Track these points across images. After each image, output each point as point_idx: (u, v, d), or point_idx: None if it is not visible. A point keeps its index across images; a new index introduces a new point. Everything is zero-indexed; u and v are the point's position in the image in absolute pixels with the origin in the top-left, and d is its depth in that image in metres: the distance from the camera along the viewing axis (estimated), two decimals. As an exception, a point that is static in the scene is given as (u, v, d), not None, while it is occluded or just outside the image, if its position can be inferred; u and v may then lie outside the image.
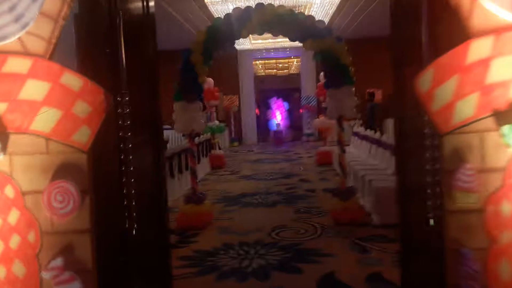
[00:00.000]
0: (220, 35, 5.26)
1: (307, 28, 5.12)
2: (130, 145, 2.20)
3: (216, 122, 10.32)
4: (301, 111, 23.18)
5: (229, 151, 14.23)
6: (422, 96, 1.96)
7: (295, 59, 20.09)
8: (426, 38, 2.08)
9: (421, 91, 1.97)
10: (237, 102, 16.11)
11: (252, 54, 16.75)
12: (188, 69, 5.26)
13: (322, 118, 9.84)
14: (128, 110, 2.20)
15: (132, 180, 2.20)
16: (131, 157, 2.21)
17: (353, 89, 5.15)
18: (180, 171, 7.20)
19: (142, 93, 2.61)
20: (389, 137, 6.84)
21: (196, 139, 7.84)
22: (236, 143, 15.98)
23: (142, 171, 2.40)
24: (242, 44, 14.89)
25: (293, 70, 23.23)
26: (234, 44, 5.59)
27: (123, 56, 2.20)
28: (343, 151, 5.49)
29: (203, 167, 9.36)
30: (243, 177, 8.80)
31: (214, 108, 10.35)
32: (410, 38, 2.28)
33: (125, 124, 2.19)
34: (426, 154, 2.02)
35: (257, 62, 21.14)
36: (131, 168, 2.20)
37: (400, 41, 2.49)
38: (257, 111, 24.68)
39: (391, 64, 2.63)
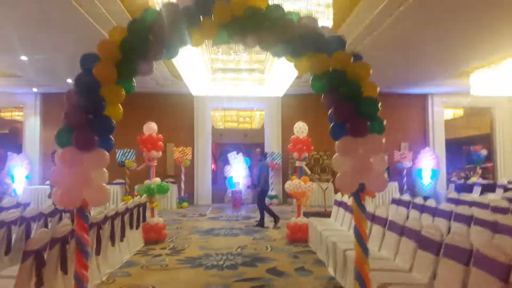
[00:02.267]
0: (153, 35, 3.00)
1: (304, 35, 2.98)
2: None
3: (157, 180, 7.78)
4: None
5: (175, 215, 11.52)
6: None
7: (259, 112, 18.24)
8: None
9: None
10: (190, 155, 13.65)
11: (211, 102, 14.65)
12: (88, 90, 2.89)
13: (295, 180, 7.60)
14: None
15: None
16: None
17: (383, 141, 2.96)
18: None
19: None
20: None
21: (98, 213, 5.26)
22: (185, 204, 13.29)
23: None
24: (199, 87, 12.78)
25: (256, 125, 21.37)
26: (175, 53, 3.27)
27: None
28: (365, 252, 3.16)
29: (132, 243, 6.67)
30: (186, 262, 6.18)
31: (154, 161, 7.85)
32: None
33: None
34: None
35: (216, 114, 19.12)
36: None
37: None
38: (213, 166, 22.32)
39: None
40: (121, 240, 5.97)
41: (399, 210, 7.92)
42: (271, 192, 14.13)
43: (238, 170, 14.48)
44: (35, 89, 13.74)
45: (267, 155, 9.80)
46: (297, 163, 7.77)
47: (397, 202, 8.18)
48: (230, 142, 21.64)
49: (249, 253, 6.67)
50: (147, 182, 7.70)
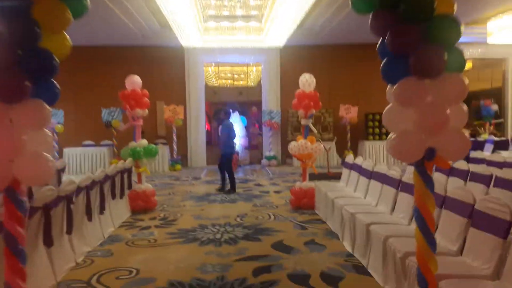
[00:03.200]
0: None
1: None
2: None
3: (143, 141, 6.82)
4: (256, 126, 20.19)
5: (167, 178, 10.69)
6: None
7: (255, 67, 17.04)
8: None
9: None
10: (182, 115, 12.63)
11: (203, 56, 13.44)
12: (14, 11, 1.88)
13: (301, 140, 6.69)
14: None
15: None
16: None
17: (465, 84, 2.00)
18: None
19: None
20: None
21: (69, 183, 4.38)
22: (178, 166, 12.44)
23: None
24: (190, 39, 11.57)
25: (251, 81, 20.20)
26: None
27: None
28: (432, 246, 2.25)
29: (116, 214, 5.82)
30: (178, 235, 5.37)
31: (140, 120, 6.87)
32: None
33: None
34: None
35: (210, 70, 17.89)
36: None
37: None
38: (207, 126, 21.36)
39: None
40: (101, 213, 5.11)
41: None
42: (269, 153, 13.30)
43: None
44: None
45: (230, 114, 8.72)
46: (303, 122, 6.84)
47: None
48: (225, 100, 20.56)
49: (250, 223, 5.86)
50: (132, 144, 6.76)
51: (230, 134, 8.31)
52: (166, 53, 13.28)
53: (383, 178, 5.03)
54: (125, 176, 6.27)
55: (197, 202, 7.51)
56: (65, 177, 6.66)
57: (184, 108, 13.21)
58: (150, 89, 13.61)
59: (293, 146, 6.77)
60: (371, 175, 5.43)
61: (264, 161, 13.25)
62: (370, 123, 13.42)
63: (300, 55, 13.39)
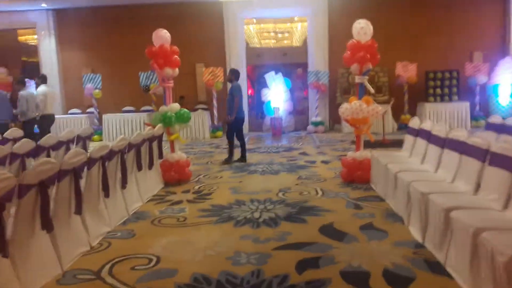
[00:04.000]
0: None
1: None
2: None
3: (175, 106, 6.09)
4: (305, 93, 19.00)
5: (207, 146, 10.06)
6: None
7: (300, 23, 15.71)
8: None
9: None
10: (222, 77, 11.82)
11: (242, 11, 12.37)
12: None
13: (355, 102, 5.66)
14: None
15: None
16: None
17: None
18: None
19: None
20: None
21: (77, 153, 3.72)
22: (219, 133, 11.79)
23: None
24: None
25: (296, 41, 18.89)
26: None
27: None
28: None
29: (144, 187, 5.22)
30: (211, 213, 4.68)
31: (170, 81, 6.12)
32: None
33: None
34: None
35: (251, 28, 16.79)
36: None
37: None
38: (251, 90, 20.47)
39: None
40: (123, 187, 4.49)
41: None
42: (316, 118, 12.27)
43: (277, 93, 12.59)
44: (44, 4, 12.04)
45: (239, 75, 7.64)
46: (357, 79, 5.76)
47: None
48: (268, 62, 19.48)
49: (294, 200, 5.04)
50: (162, 108, 6.07)
51: (241, 97, 7.43)
52: (204, 10, 12.36)
53: (462, 147, 3.97)
54: (155, 144, 5.62)
55: (236, 173, 6.79)
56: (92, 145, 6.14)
57: (224, 71, 12.37)
58: (188, 50, 12.92)
59: (345, 109, 5.76)
60: (445, 143, 4.37)
61: (310, 127, 12.27)
62: (431, 83, 11.92)
63: (351, 5, 11.97)
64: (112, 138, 11.80)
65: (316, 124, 12.21)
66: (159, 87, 6.14)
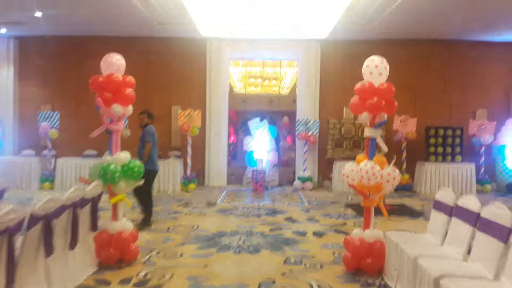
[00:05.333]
0: None
1: None
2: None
3: (122, 156, 4.51)
4: (290, 141, 17.72)
5: (174, 203, 8.37)
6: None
7: (288, 69, 14.71)
8: None
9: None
10: (199, 122, 10.38)
11: (228, 50, 11.20)
12: None
13: (364, 161, 4.19)
14: None
15: None
16: None
17: None
18: None
19: None
20: None
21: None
22: (192, 185, 10.15)
23: None
24: (210, 28, 9.38)
25: (283, 88, 17.91)
26: None
27: None
28: None
29: (70, 270, 3.53)
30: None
31: (120, 122, 4.58)
32: None
33: None
34: None
35: (237, 72, 15.73)
36: None
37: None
38: (232, 137, 19.11)
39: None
40: (8, 284, 2.80)
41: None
42: (304, 173, 10.81)
43: (261, 143, 11.18)
44: (3, 30, 10.63)
45: (152, 116, 6.52)
46: (368, 132, 4.34)
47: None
48: (253, 109, 18.34)
49: (280, 305, 3.42)
50: (105, 159, 4.49)
51: (155, 145, 6.24)
52: (185, 45, 11.13)
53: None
54: (86, 210, 3.98)
55: (202, 248, 5.13)
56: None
57: (204, 114, 10.98)
58: (164, 90, 11.64)
59: (349, 172, 4.30)
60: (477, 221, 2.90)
61: (297, 183, 10.77)
62: (432, 140, 10.72)
63: (346, 49, 10.96)
64: (67, 187, 10.02)
65: (303, 180, 10.73)
66: (102, 128, 4.57)
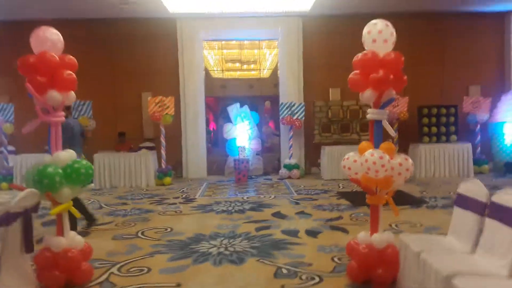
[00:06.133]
0: None
1: None
2: None
3: (67, 154, 3.57)
4: (272, 126, 16.86)
5: (146, 200, 7.44)
6: None
7: (268, 50, 13.76)
8: None
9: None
10: (172, 109, 9.40)
11: (202, 32, 10.20)
12: None
13: (371, 151, 3.36)
14: None
15: None
16: None
17: None
18: None
19: None
20: None
21: None
22: (167, 179, 9.23)
23: None
24: (180, 3, 8.36)
25: (264, 71, 16.96)
26: None
27: None
28: None
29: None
30: None
31: (59, 113, 3.62)
32: None
33: None
34: None
35: (212, 54, 14.70)
36: None
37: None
38: (212, 125, 18.19)
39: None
40: None
41: None
42: (289, 160, 10.01)
43: (242, 130, 10.31)
44: None
45: (70, 108, 5.70)
46: (372, 114, 3.50)
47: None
48: (233, 94, 17.37)
49: None
50: (43, 159, 3.54)
51: (73, 139, 5.17)
52: (154, 27, 10.09)
53: None
54: (15, 228, 3.05)
55: (175, 258, 4.26)
56: None
57: (178, 101, 10.01)
58: (133, 76, 10.56)
59: (351, 163, 3.47)
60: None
61: (283, 171, 9.96)
62: (425, 120, 10.03)
63: (330, 25, 10.11)
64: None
65: (290, 167, 9.93)
66: (36, 122, 3.62)
